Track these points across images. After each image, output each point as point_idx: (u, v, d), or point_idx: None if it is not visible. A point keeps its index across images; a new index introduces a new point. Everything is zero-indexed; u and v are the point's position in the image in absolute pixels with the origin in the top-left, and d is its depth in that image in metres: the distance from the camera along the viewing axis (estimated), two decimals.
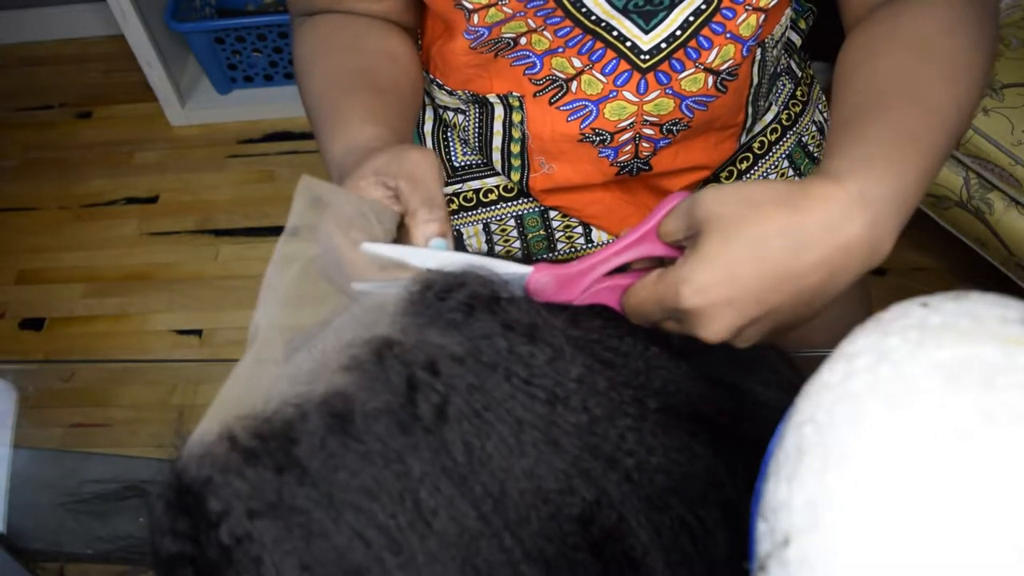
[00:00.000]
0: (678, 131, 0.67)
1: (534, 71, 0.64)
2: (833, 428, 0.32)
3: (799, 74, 0.79)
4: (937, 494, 0.28)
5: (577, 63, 0.63)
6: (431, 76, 0.72)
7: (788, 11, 0.67)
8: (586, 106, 0.65)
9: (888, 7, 0.55)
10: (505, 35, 0.62)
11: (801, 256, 0.41)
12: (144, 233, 1.85)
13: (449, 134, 0.78)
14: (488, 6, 0.58)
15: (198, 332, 1.68)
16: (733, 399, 0.49)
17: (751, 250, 0.41)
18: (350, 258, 0.46)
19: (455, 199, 0.79)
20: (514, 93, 0.67)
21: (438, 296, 0.43)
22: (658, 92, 0.64)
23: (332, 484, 0.39)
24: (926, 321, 0.33)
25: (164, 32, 1.90)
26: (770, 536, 0.32)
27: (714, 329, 0.43)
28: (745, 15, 0.60)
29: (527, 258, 0.80)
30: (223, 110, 2.01)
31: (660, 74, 0.63)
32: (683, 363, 0.48)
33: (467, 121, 0.74)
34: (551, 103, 0.66)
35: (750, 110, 0.71)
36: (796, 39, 0.77)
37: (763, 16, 0.60)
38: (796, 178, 0.50)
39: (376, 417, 0.40)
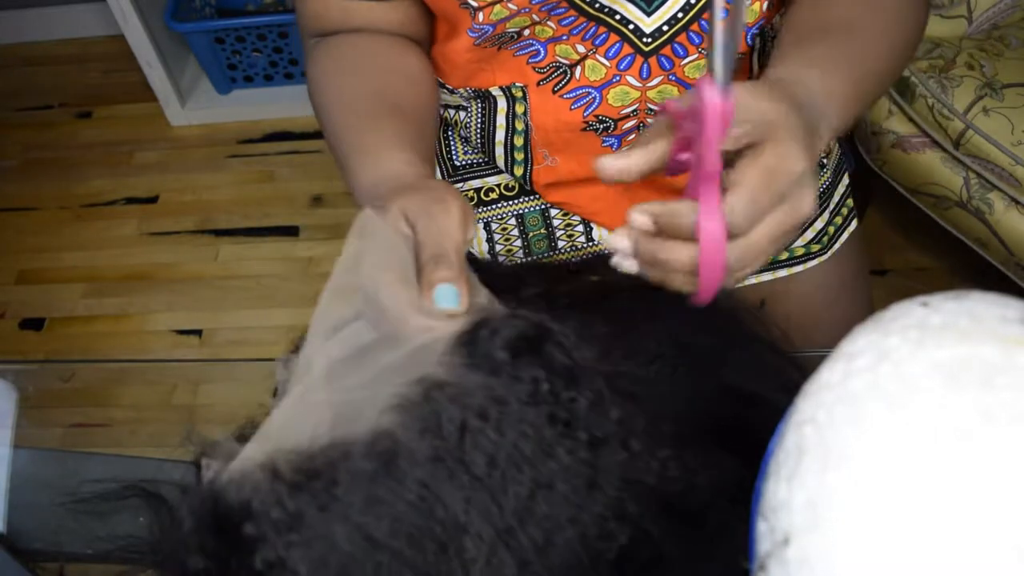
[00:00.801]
0: None
1: (538, 59, 0.65)
2: (833, 428, 0.32)
3: None
4: (937, 494, 0.28)
5: (581, 48, 0.63)
6: None
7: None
8: (589, 93, 0.66)
9: None
10: (510, 30, 0.62)
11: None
12: (144, 233, 1.85)
13: (450, 133, 0.78)
14: (493, 3, 0.58)
15: (198, 332, 1.68)
16: (755, 407, 0.49)
17: (804, 132, 0.47)
18: (393, 305, 0.44)
19: None
20: (517, 84, 0.67)
21: (487, 336, 0.43)
22: (661, 78, 0.64)
23: (373, 527, 0.38)
24: (926, 321, 0.33)
25: (164, 32, 1.90)
26: (770, 536, 0.33)
27: (812, 196, 0.47)
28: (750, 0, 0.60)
29: (537, 262, 0.80)
30: (223, 110, 2.01)
31: (663, 59, 0.63)
32: (708, 379, 0.49)
33: (469, 118, 0.74)
34: (554, 91, 0.66)
35: None
36: None
37: (767, 3, 0.61)
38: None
39: (422, 462, 0.39)
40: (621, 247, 0.46)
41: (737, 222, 0.43)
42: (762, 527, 0.33)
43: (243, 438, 0.45)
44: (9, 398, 0.71)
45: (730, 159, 0.45)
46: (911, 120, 1.35)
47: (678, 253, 0.44)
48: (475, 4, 0.59)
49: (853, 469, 0.30)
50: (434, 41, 0.70)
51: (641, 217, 0.45)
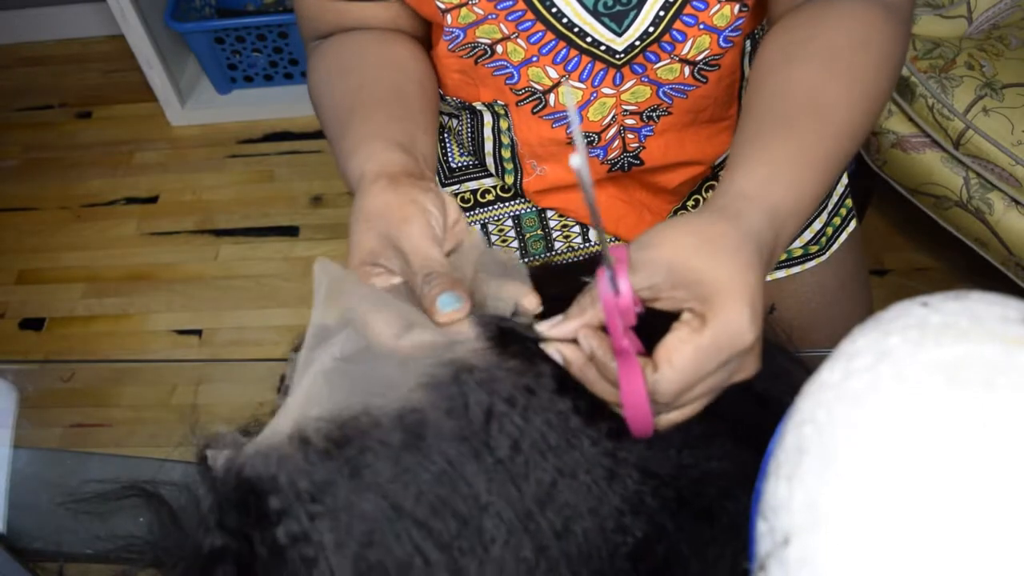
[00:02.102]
0: (659, 116, 0.67)
1: (513, 82, 0.65)
2: (833, 428, 0.32)
3: None
4: (937, 494, 0.28)
5: (553, 73, 0.63)
6: None
7: None
8: (568, 115, 0.66)
9: (808, 9, 0.56)
10: (480, 39, 0.61)
11: (763, 256, 0.44)
12: (144, 233, 1.85)
13: (446, 136, 0.78)
14: (459, 6, 0.58)
15: (198, 332, 1.68)
16: (765, 407, 0.49)
17: (747, 266, 0.43)
18: (379, 336, 0.45)
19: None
20: (499, 101, 0.67)
21: (517, 324, 0.44)
22: (634, 81, 0.64)
23: (400, 496, 0.39)
24: (926, 320, 0.33)
25: (164, 32, 1.90)
26: (770, 536, 0.32)
27: (757, 361, 0.44)
28: (719, 6, 0.59)
29: (536, 262, 0.80)
30: (223, 110, 2.00)
31: (635, 66, 0.63)
32: None
33: (460, 126, 0.74)
34: (534, 112, 0.66)
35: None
36: None
37: (739, 6, 0.60)
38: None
39: (449, 439, 0.40)
40: (555, 359, 0.45)
41: (662, 400, 0.42)
42: (762, 527, 0.33)
43: (247, 434, 0.45)
44: (9, 398, 0.71)
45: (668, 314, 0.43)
46: (911, 120, 1.35)
47: (605, 392, 0.43)
48: (442, 5, 0.59)
49: (853, 469, 0.30)
50: (432, 45, 0.70)
51: (572, 355, 0.44)
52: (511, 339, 0.44)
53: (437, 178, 0.80)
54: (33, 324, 1.73)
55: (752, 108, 0.53)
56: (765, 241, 0.45)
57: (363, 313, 0.45)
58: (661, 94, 0.65)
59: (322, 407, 0.41)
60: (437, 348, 0.43)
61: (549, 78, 0.64)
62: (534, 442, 0.40)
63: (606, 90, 0.64)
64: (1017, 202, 1.27)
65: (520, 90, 0.65)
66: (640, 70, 0.63)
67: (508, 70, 0.64)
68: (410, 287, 0.47)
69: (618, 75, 0.63)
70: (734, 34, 0.62)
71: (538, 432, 0.41)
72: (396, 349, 0.44)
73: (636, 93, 0.65)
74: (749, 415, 0.48)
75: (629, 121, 0.67)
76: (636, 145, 0.69)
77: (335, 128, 0.58)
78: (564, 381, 0.43)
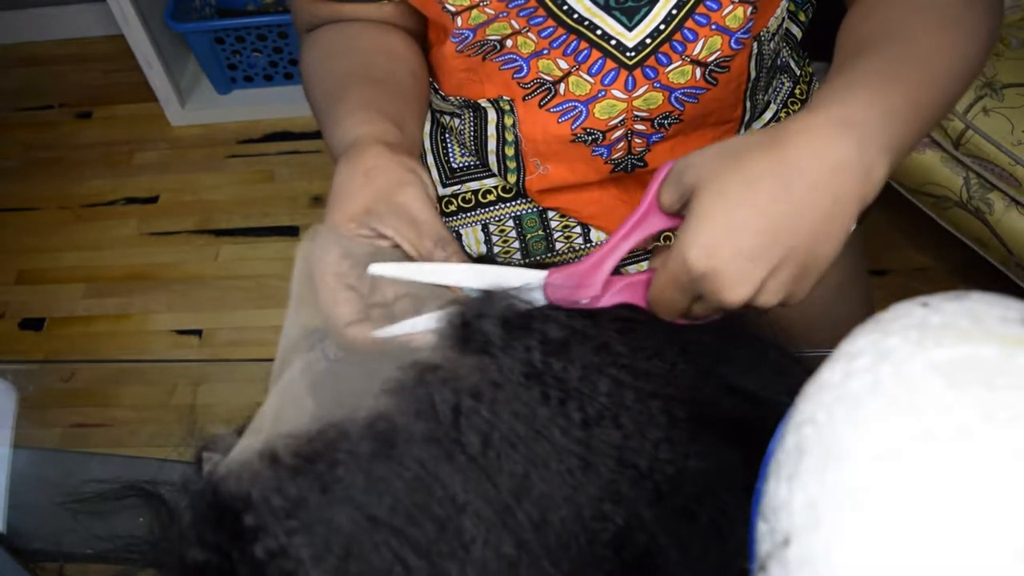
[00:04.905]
0: (670, 124, 0.67)
1: (522, 74, 0.65)
2: (833, 428, 0.32)
3: (798, 72, 0.79)
4: (937, 494, 0.28)
5: (563, 64, 0.63)
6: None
7: (784, 3, 0.67)
8: (576, 107, 0.66)
9: None
10: (490, 37, 0.62)
11: (793, 188, 0.41)
12: (144, 233, 1.85)
13: (447, 136, 0.78)
14: (470, 8, 0.59)
15: (198, 332, 1.68)
16: (758, 409, 0.49)
17: (743, 195, 0.41)
18: (334, 311, 0.46)
19: (454, 200, 0.79)
20: (504, 97, 0.67)
21: (474, 318, 0.44)
22: (646, 87, 0.64)
23: (375, 506, 0.39)
24: (926, 321, 0.33)
25: (164, 32, 1.90)
26: (770, 536, 0.32)
27: (734, 288, 0.42)
28: (731, 7, 0.59)
29: (536, 262, 0.80)
30: (223, 110, 2.00)
31: (647, 69, 0.63)
32: (709, 379, 0.49)
33: (463, 125, 0.74)
34: (541, 106, 0.66)
35: (748, 104, 0.71)
36: (796, 31, 0.77)
37: (751, 8, 0.60)
38: None
39: (420, 443, 0.40)
40: None
41: (658, 310, 0.46)
42: (762, 528, 0.33)
43: (243, 433, 0.45)
44: (9, 398, 0.71)
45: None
46: None
47: None
48: (452, 8, 0.59)
49: (853, 469, 0.30)
50: (430, 47, 0.70)
51: None
52: (470, 335, 0.44)
53: (438, 178, 0.80)
54: (33, 324, 1.73)
55: (835, 59, 0.51)
56: (833, 143, 0.41)
57: (330, 282, 0.46)
58: (673, 100, 0.65)
59: (289, 424, 0.41)
60: (384, 346, 0.44)
61: (560, 69, 0.64)
62: (504, 435, 0.40)
63: (617, 92, 0.64)
64: (1017, 202, 1.27)
65: (528, 83, 0.65)
66: (652, 74, 0.63)
67: (517, 63, 0.64)
68: (409, 249, 0.48)
69: (630, 79, 0.63)
70: (745, 36, 0.62)
71: (507, 424, 0.40)
72: (344, 337, 0.45)
73: (649, 100, 0.65)
74: (740, 416, 0.48)
75: (639, 127, 0.67)
76: (642, 149, 0.69)
77: (327, 101, 0.59)
78: (530, 359, 0.43)
